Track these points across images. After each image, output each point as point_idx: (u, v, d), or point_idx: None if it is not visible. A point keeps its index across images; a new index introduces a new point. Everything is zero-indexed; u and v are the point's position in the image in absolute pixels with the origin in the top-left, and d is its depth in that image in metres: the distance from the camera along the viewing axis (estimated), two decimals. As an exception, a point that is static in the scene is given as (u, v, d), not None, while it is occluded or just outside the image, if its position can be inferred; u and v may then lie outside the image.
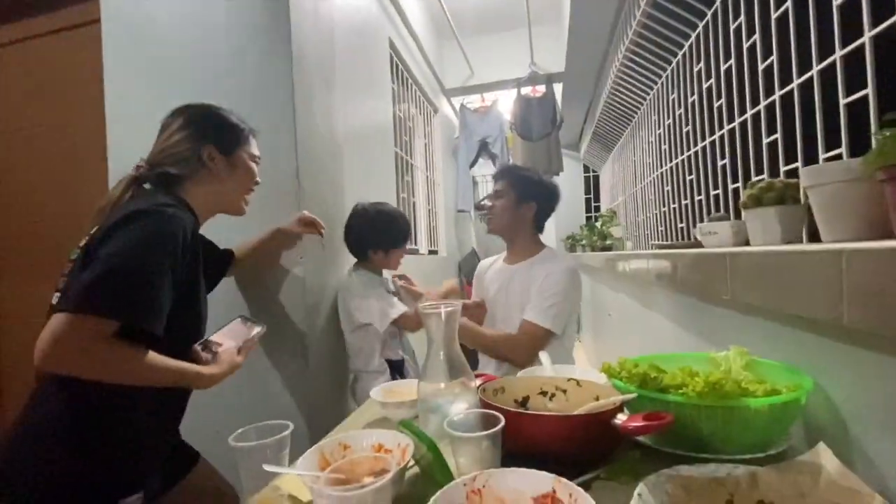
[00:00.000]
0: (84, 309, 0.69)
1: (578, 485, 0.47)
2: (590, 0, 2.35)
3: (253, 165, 1.04)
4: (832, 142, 0.99)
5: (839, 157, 0.95)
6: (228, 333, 0.98)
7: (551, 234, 4.74)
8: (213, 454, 1.07)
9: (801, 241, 0.88)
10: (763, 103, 1.29)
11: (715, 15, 1.59)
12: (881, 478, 0.53)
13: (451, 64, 4.46)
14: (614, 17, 2.47)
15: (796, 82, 1.12)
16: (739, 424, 0.60)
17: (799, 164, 1.11)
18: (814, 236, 0.80)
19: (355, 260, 1.62)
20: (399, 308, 1.50)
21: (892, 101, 0.83)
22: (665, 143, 2.34)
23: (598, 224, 3.51)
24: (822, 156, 1.02)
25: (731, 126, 1.53)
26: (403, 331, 1.61)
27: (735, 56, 1.45)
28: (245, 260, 1.28)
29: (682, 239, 2.15)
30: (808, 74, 1.06)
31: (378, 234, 1.56)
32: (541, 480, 0.49)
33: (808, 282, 0.57)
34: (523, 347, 1.34)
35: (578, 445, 0.62)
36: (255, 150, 1.06)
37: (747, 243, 0.97)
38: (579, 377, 0.80)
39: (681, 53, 1.99)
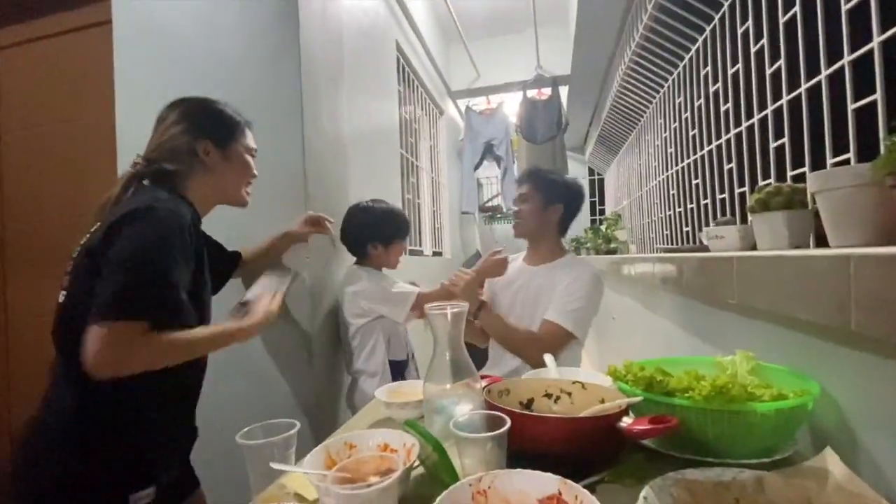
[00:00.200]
0: (116, 317, 0.74)
1: (583, 487, 0.47)
2: (596, 3, 2.35)
3: (249, 158, 1.04)
4: (840, 147, 0.99)
5: (847, 162, 0.95)
6: (259, 289, 1.02)
7: (555, 236, 4.72)
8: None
9: (808, 246, 0.88)
10: (771, 107, 1.28)
11: (722, 19, 1.59)
12: (888, 483, 0.53)
13: (457, 66, 4.47)
14: (621, 21, 2.47)
15: (804, 87, 1.12)
16: (746, 429, 0.60)
17: (807, 168, 1.11)
18: (821, 241, 0.79)
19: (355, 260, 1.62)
20: (414, 288, 1.49)
21: (901, 107, 0.83)
22: (671, 147, 2.33)
23: (603, 227, 3.51)
24: (829, 161, 1.01)
25: (738, 130, 1.53)
26: (406, 326, 1.60)
27: (743, 60, 1.45)
28: (252, 262, 1.28)
29: (688, 243, 2.14)
30: (817, 79, 1.06)
31: (377, 228, 1.55)
32: (546, 482, 0.49)
33: (816, 287, 0.57)
34: (544, 346, 1.33)
35: (583, 448, 0.62)
36: (251, 143, 1.06)
37: (754, 248, 0.97)
38: (584, 380, 0.80)
39: (688, 57, 1.99)
